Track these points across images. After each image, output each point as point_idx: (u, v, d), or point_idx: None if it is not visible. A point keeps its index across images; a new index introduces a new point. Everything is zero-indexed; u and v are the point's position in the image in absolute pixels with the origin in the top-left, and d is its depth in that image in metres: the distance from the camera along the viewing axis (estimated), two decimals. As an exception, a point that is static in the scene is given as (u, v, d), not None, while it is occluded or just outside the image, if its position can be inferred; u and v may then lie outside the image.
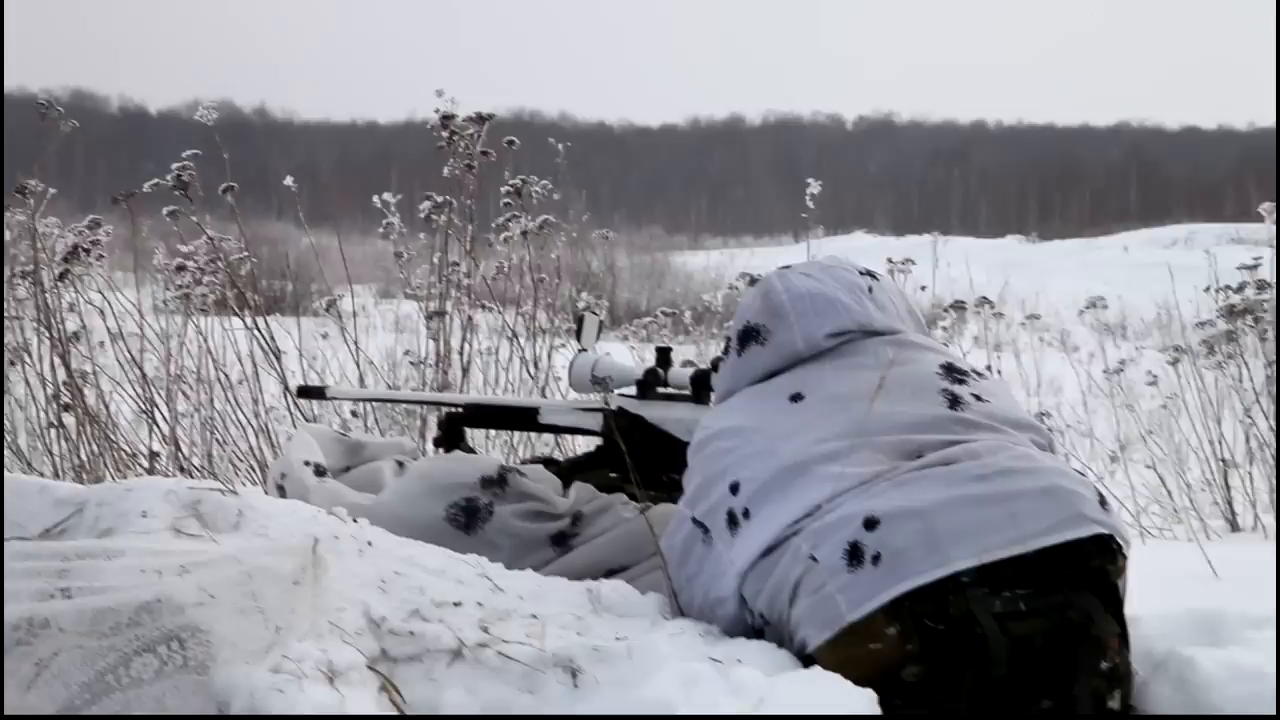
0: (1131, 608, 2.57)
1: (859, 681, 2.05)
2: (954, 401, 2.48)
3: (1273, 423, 5.43)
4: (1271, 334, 5.48)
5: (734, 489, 2.46)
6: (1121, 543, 2.31)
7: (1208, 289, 5.83)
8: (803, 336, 2.60)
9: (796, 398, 2.53)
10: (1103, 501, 2.32)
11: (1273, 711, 2.30)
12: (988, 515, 2.23)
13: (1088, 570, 2.24)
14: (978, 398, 2.50)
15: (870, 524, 2.25)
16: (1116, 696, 2.23)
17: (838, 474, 2.34)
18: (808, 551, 2.29)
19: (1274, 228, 5.62)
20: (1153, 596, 2.78)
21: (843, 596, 2.21)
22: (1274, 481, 5.39)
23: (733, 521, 2.44)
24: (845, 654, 2.19)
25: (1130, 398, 6.11)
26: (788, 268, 2.74)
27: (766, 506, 2.39)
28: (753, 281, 2.82)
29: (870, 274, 2.75)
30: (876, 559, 2.21)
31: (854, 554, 2.23)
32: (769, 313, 2.65)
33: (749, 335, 2.66)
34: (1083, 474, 2.44)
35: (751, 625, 2.43)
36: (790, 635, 2.31)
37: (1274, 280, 5.54)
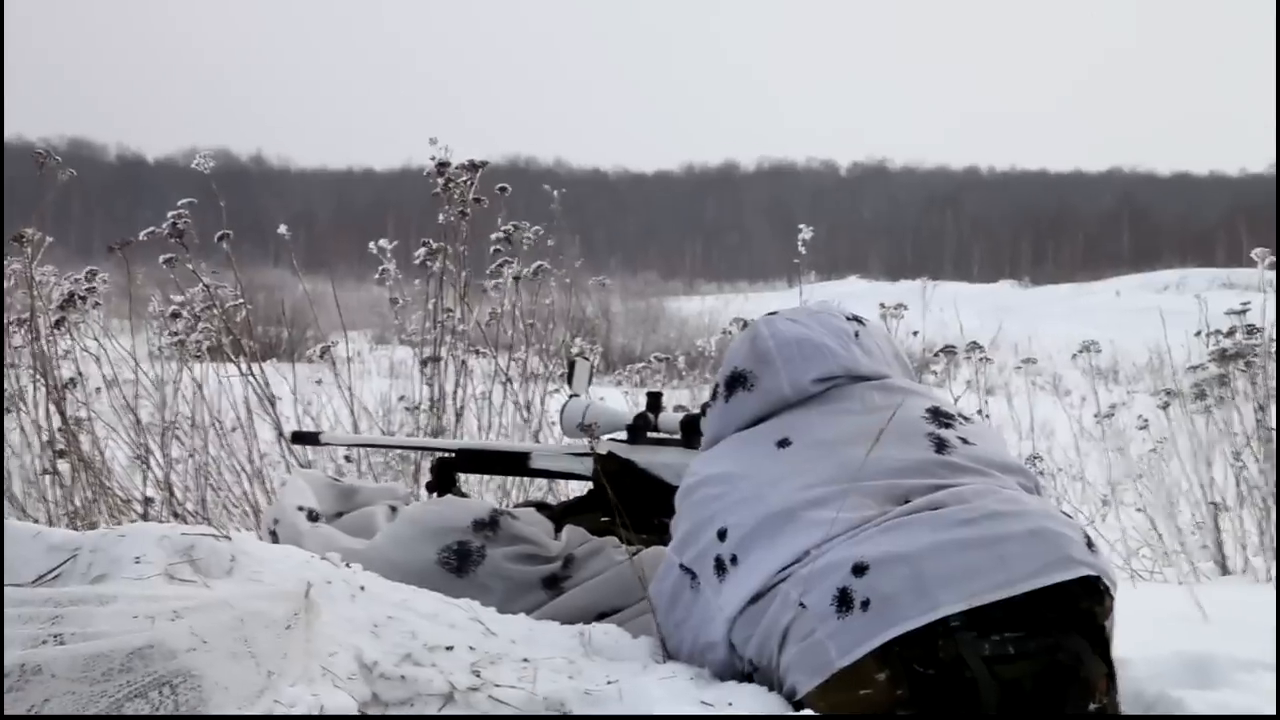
0: (1122, 650, 2.58)
1: None
2: (940, 445, 2.48)
3: (1264, 465, 5.43)
4: (1262, 378, 5.49)
5: (721, 535, 2.46)
6: (1109, 584, 2.31)
7: (1199, 333, 5.84)
8: (789, 382, 2.62)
9: (784, 443, 2.54)
10: (1090, 543, 2.33)
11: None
12: (975, 559, 2.23)
13: (1076, 612, 2.24)
14: (964, 440, 2.51)
15: (859, 570, 2.25)
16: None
17: (827, 520, 2.35)
18: (797, 598, 2.29)
19: (1271, 271, 5.64)
20: (1143, 639, 2.79)
21: (832, 642, 2.22)
22: (1276, 524, 5.39)
23: (720, 568, 2.45)
24: (836, 699, 2.20)
25: (1121, 441, 6.12)
26: (775, 314, 2.75)
27: (755, 553, 2.40)
28: (744, 326, 2.83)
29: (857, 319, 2.77)
30: (866, 604, 2.22)
31: (843, 600, 2.24)
32: (756, 359, 2.66)
33: (736, 381, 2.68)
34: (1070, 516, 2.45)
35: (741, 670, 2.43)
36: (780, 681, 2.31)
37: (1274, 319, 5.56)
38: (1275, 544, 5.34)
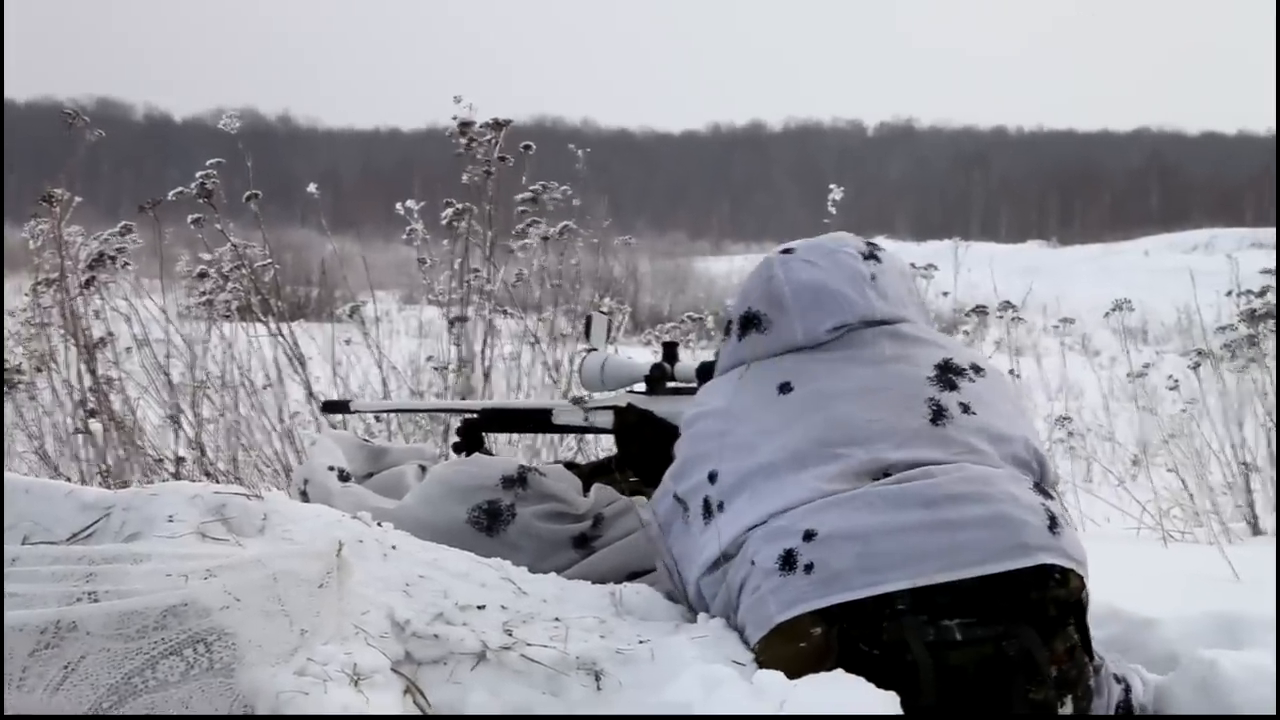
0: (1153, 609, 2.58)
1: (790, 679, 2.08)
2: (938, 414, 2.47)
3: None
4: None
5: (712, 478, 2.50)
6: (1074, 565, 2.31)
7: (1229, 293, 5.81)
8: (803, 330, 2.61)
9: (785, 388, 2.54)
10: (1053, 525, 2.33)
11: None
12: (927, 541, 2.25)
13: (1026, 602, 2.25)
14: (965, 408, 2.49)
15: (808, 536, 2.30)
16: (1069, 701, 2.26)
17: (796, 484, 2.38)
18: (750, 555, 2.35)
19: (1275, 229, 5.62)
20: (1174, 599, 2.80)
21: (773, 598, 2.28)
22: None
23: (707, 511, 2.49)
24: (777, 652, 2.25)
25: (1151, 401, 6.09)
26: (791, 251, 2.71)
27: (735, 504, 2.44)
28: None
29: (874, 255, 2.72)
30: (809, 568, 2.27)
31: (787, 560, 2.29)
32: (770, 302, 2.65)
33: (750, 322, 2.67)
34: (1049, 494, 2.44)
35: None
36: (741, 632, 2.37)
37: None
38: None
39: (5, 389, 5.33)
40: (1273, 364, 5.55)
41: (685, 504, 2.55)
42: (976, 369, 2.59)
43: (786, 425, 2.47)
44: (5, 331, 5.75)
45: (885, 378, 2.52)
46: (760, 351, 2.64)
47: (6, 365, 5.36)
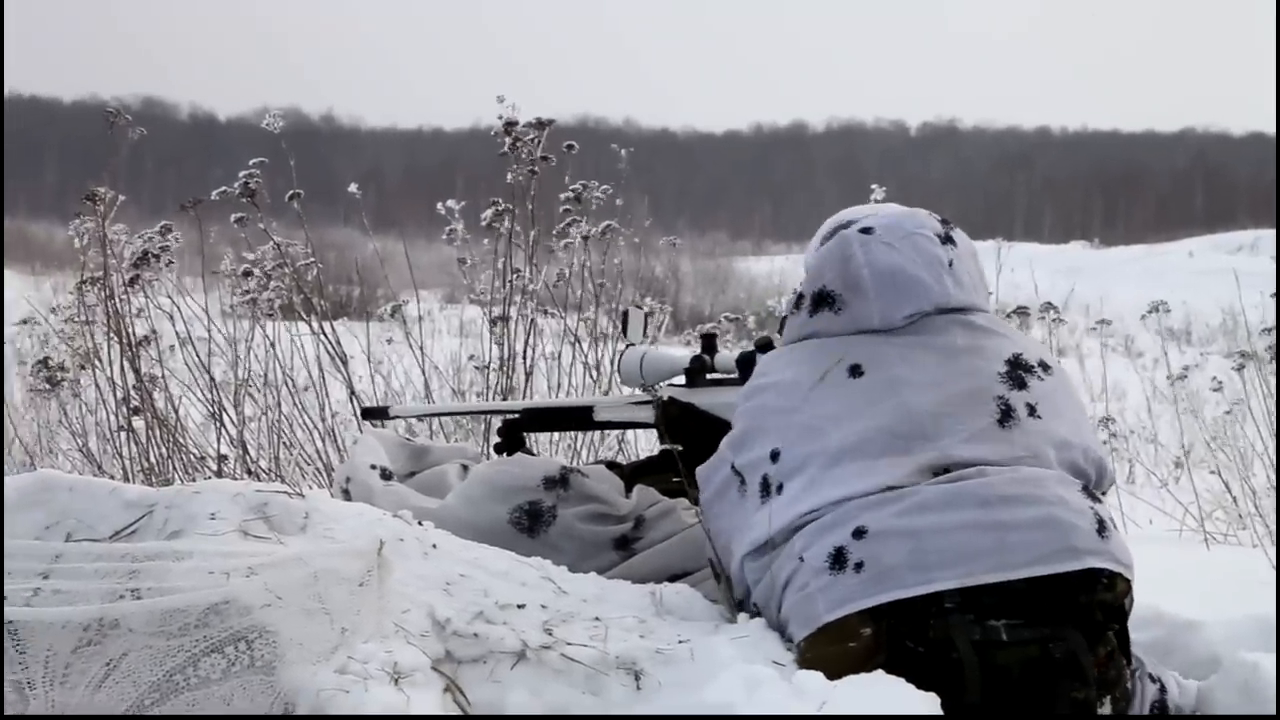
0: (1195, 611, 2.57)
1: (835, 677, 2.08)
2: (1005, 415, 2.46)
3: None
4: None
5: (774, 456, 2.49)
6: (1121, 569, 2.32)
7: (1274, 294, 5.78)
8: (879, 315, 2.56)
9: (856, 371, 2.51)
10: (1102, 529, 2.33)
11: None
12: (978, 541, 2.26)
13: (1074, 605, 2.26)
14: (1032, 410, 2.48)
15: (859, 533, 2.30)
16: (1107, 702, 2.26)
17: (858, 474, 2.38)
18: (799, 551, 2.35)
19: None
20: (1217, 601, 2.78)
21: (822, 597, 2.29)
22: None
23: (766, 490, 2.48)
24: (823, 651, 2.25)
25: (1195, 403, 6.07)
26: (870, 231, 2.63)
27: (792, 488, 2.44)
28: (833, 233, 2.73)
29: (950, 238, 2.67)
30: (859, 566, 2.27)
31: (838, 558, 2.30)
32: (847, 284, 2.59)
33: (823, 300, 2.61)
34: (1096, 498, 2.44)
35: (743, 600, 2.53)
36: (782, 630, 2.38)
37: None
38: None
39: (51, 387, 5.37)
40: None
41: (743, 477, 2.55)
42: (1045, 366, 2.57)
43: (855, 412, 2.46)
44: (50, 329, 5.80)
45: (956, 370, 2.50)
46: (831, 330, 2.60)
47: (51, 363, 5.40)
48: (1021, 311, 5.68)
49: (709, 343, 3.32)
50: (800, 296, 2.67)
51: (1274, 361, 5.67)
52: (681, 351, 3.38)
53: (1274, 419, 5.46)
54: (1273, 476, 5.52)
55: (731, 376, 3.21)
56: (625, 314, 3.49)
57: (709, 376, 3.26)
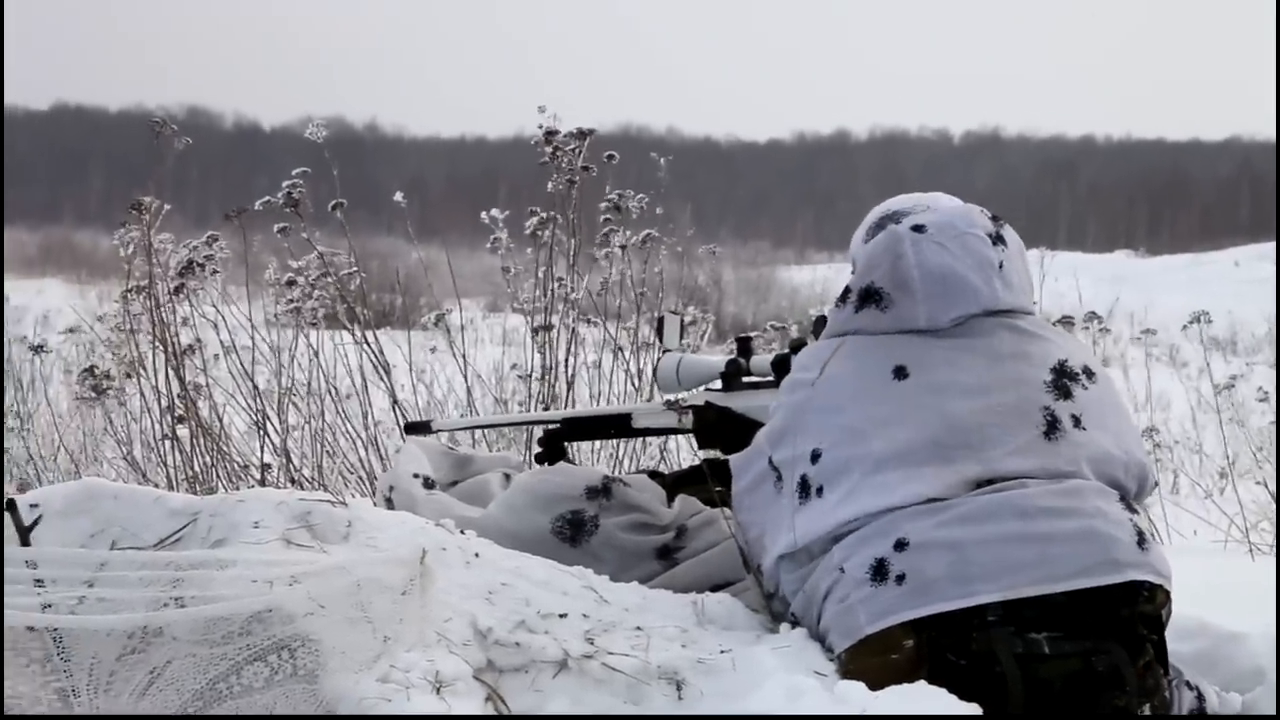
0: (1238, 624, 2.55)
1: (877, 689, 2.08)
2: (1051, 427, 2.44)
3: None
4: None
5: (815, 457, 2.47)
6: (1161, 580, 2.32)
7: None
8: (926, 316, 2.53)
9: (901, 373, 2.49)
10: (1141, 540, 2.33)
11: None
12: (1020, 553, 2.26)
13: (1116, 619, 2.27)
14: (1077, 422, 2.47)
15: (900, 545, 2.30)
16: (1146, 709, 2.27)
17: (901, 483, 2.37)
18: (839, 563, 2.36)
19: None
20: (1262, 614, 2.76)
21: (863, 609, 2.29)
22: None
23: (804, 491, 2.47)
24: (866, 663, 2.25)
25: (1240, 414, 6.03)
26: (922, 229, 2.58)
27: (833, 494, 2.42)
28: (879, 225, 2.68)
29: (1000, 236, 2.63)
30: (901, 578, 2.27)
31: (879, 570, 2.30)
32: (896, 283, 2.55)
33: (870, 296, 2.57)
34: (1134, 510, 2.43)
35: (772, 595, 2.55)
36: (822, 639, 2.38)
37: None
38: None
39: (96, 395, 5.40)
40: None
41: (780, 472, 2.53)
42: (1089, 373, 2.55)
43: (899, 417, 2.44)
44: (96, 338, 5.83)
45: (1002, 376, 2.49)
46: (876, 327, 2.57)
47: (97, 371, 5.43)
48: (1066, 321, 5.65)
49: (744, 346, 3.30)
50: (846, 291, 2.64)
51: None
52: (718, 356, 3.37)
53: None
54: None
55: (768, 380, 3.20)
56: (661, 320, 3.49)
57: (745, 380, 3.26)
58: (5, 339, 5.35)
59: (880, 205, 2.79)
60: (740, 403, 3.20)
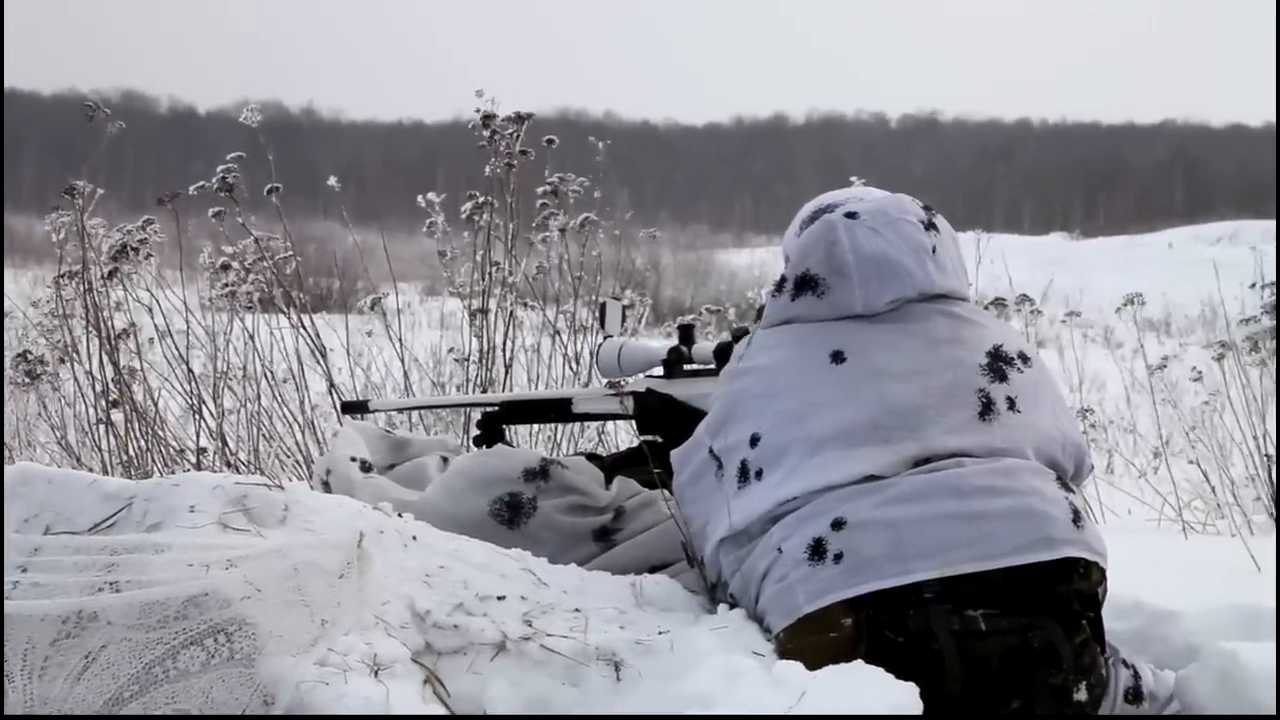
0: (1173, 601, 2.58)
1: (815, 668, 2.09)
2: (986, 408, 2.47)
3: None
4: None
5: (754, 441, 2.49)
6: (1097, 558, 2.35)
7: (1253, 285, 5.80)
8: (863, 301, 2.55)
9: (838, 357, 2.50)
10: (1076, 518, 2.36)
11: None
12: (956, 532, 2.28)
13: (1052, 595, 2.29)
14: (1012, 404, 2.49)
15: (838, 524, 2.32)
16: (1083, 688, 2.28)
17: (839, 463, 2.39)
18: (777, 543, 2.37)
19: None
20: (1195, 591, 2.79)
21: (801, 588, 2.30)
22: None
23: (744, 475, 2.48)
24: (804, 641, 2.27)
25: (1174, 394, 6.08)
26: (855, 216, 2.60)
27: (772, 476, 2.44)
28: (815, 216, 2.71)
29: (932, 223, 2.65)
30: (839, 557, 2.29)
31: (816, 549, 2.31)
32: (831, 269, 2.56)
33: (806, 283, 2.59)
34: (1070, 489, 2.46)
35: (715, 585, 2.55)
36: (760, 621, 2.39)
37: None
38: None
39: (29, 380, 5.35)
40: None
41: (720, 460, 2.55)
42: (1024, 358, 2.58)
43: (838, 400, 2.46)
44: (29, 322, 5.78)
45: (938, 360, 2.51)
46: (813, 314, 2.58)
47: (30, 356, 5.38)
48: (999, 303, 5.69)
49: (686, 334, 3.31)
50: (782, 280, 2.65)
51: (1255, 352, 5.68)
52: (659, 343, 3.37)
53: (1267, 407, 5.47)
54: (1250, 467, 5.54)
55: (709, 368, 3.21)
56: (603, 306, 3.49)
57: (687, 367, 3.26)
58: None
59: (812, 201, 2.81)
60: (682, 390, 3.21)
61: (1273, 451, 5.51)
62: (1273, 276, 5.69)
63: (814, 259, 2.60)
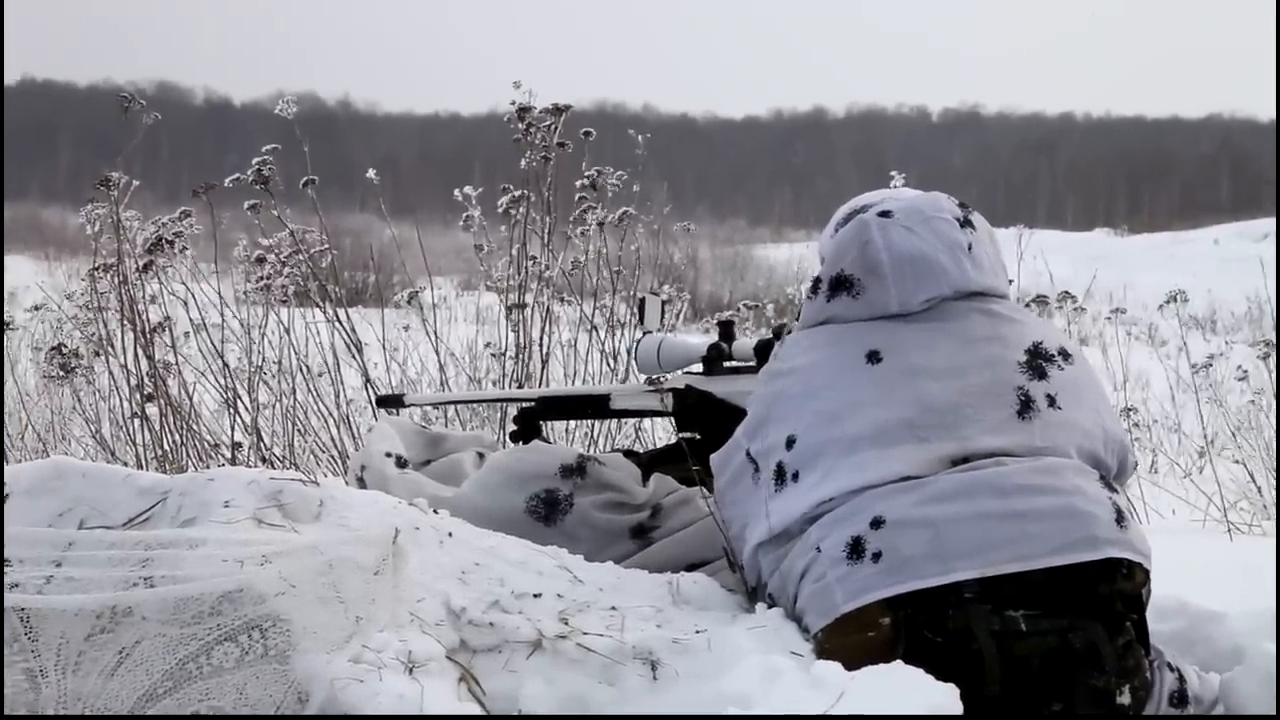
0: (1217, 602, 2.55)
1: (854, 668, 2.07)
2: (1025, 406, 2.45)
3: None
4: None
5: (790, 443, 2.48)
6: (1140, 559, 2.32)
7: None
8: (898, 300, 2.54)
9: (874, 357, 2.49)
10: (1120, 518, 2.33)
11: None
12: (998, 531, 2.26)
13: (1094, 596, 2.26)
14: (1052, 401, 2.47)
15: (877, 523, 2.30)
16: (1126, 691, 2.26)
17: (877, 462, 2.37)
18: (815, 542, 2.35)
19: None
20: (1241, 593, 2.75)
21: (840, 587, 2.28)
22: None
23: (780, 478, 2.47)
24: (842, 641, 2.25)
25: (1219, 393, 6.03)
26: (889, 215, 2.60)
27: (809, 477, 2.43)
28: (850, 217, 2.70)
29: (968, 220, 2.65)
30: (877, 556, 2.27)
31: (855, 548, 2.30)
32: (865, 268, 2.56)
33: (841, 284, 2.58)
34: (1113, 489, 2.43)
35: (755, 588, 2.54)
36: (798, 619, 2.38)
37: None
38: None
39: (64, 373, 5.36)
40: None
41: (757, 464, 2.54)
42: (1065, 354, 2.56)
43: (874, 400, 2.44)
44: (63, 315, 5.79)
45: (976, 358, 2.49)
46: (849, 315, 2.58)
47: (65, 349, 5.39)
48: (1041, 300, 5.65)
49: (726, 330, 3.29)
50: (818, 281, 2.65)
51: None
52: (699, 339, 3.36)
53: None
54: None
55: (749, 364, 3.19)
56: (642, 301, 3.47)
57: (726, 364, 3.25)
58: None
59: (847, 203, 2.81)
60: (721, 387, 3.19)
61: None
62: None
63: (848, 259, 2.60)
